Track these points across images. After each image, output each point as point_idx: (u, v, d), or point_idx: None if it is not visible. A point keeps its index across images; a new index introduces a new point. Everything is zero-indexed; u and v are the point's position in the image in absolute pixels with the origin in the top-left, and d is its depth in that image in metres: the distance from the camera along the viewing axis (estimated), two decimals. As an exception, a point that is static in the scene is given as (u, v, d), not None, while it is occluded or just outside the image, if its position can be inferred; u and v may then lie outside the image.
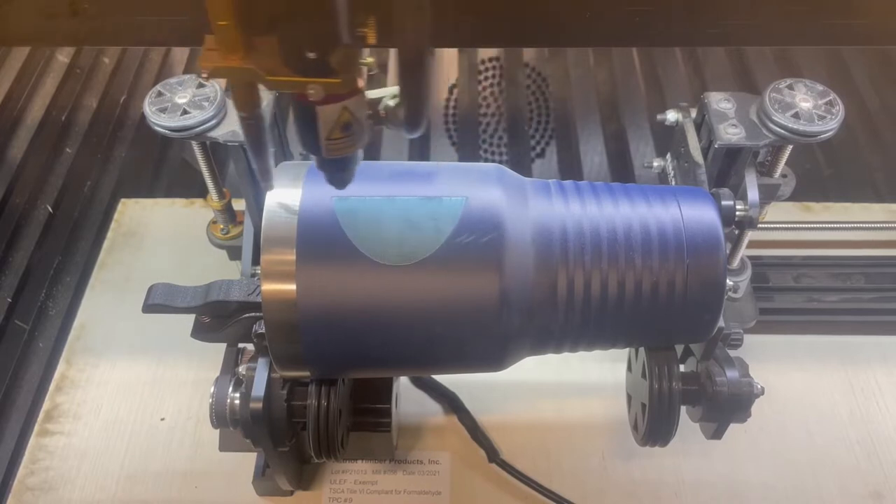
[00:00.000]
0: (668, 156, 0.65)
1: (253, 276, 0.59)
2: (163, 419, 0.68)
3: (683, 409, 0.53)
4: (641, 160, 0.94)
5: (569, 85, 1.05)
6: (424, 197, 0.46)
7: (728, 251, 0.64)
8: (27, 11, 0.70)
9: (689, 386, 0.52)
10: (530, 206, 0.47)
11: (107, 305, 0.76)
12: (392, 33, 0.32)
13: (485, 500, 0.64)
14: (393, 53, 0.33)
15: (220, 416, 0.51)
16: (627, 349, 0.60)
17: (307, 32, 0.32)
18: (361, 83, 0.35)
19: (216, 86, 0.58)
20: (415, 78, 0.34)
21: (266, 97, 0.59)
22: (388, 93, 0.38)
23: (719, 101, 0.58)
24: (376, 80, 0.38)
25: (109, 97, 1.01)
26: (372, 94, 0.38)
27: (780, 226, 0.78)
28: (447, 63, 1.08)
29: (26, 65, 1.01)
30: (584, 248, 0.47)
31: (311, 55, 0.33)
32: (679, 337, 0.52)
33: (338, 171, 0.41)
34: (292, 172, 0.48)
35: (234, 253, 0.69)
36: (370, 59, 0.35)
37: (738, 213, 0.54)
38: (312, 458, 0.53)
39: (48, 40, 0.87)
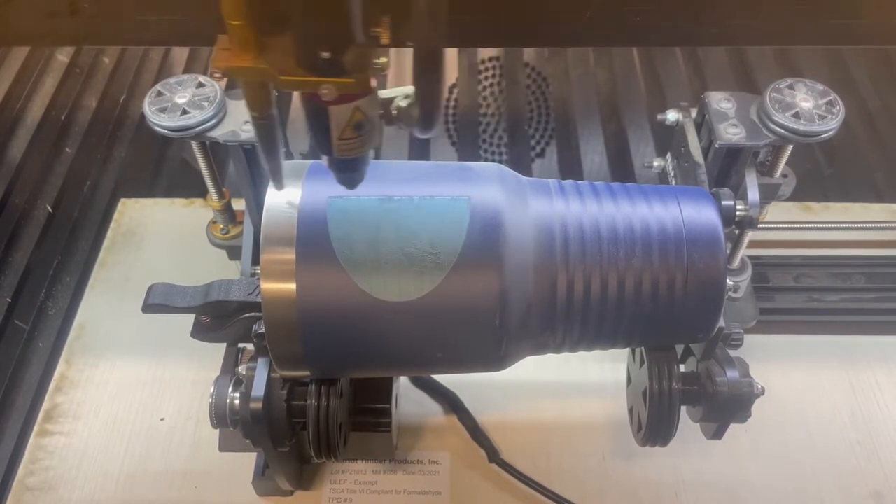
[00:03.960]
0: (669, 155, 0.65)
1: (253, 275, 0.59)
2: (163, 419, 0.68)
3: (683, 409, 0.53)
4: (641, 160, 0.94)
5: (569, 85, 1.05)
6: (424, 198, 0.46)
7: (728, 251, 0.64)
8: (27, 11, 0.70)
9: (689, 386, 0.52)
10: (530, 206, 0.47)
11: (107, 305, 0.76)
12: (407, 33, 0.31)
13: (485, 500, 0.64)
14: (396, 52, 0.33)
15: (220, 416, 0.51)
16: (627, 351, 0.60)
17: (321, 32, 0.32)
18: (374, 83, 0.35)
19: (216, 86, 0.58)
20: (430, 78, 0.33)
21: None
22: (400, 92, 0.38)
23: (720, 101, 0.58)
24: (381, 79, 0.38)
25: (109, 97, 1.01)
26: (384, 93, 0.38)
27: (781, 226, 0.78)
28: (447, 63, 1.08)
29: (26, 64, 1.01)
30: (584, 249, 0.47)
31: (325, 55, 0.32)
32: (679, 337, 0.52)
33: (348, 171, 0.41)
34: (292, 171, 0.48)
35: (234, 253, 0.69)
36: (384, 59, 0.35)
37: (738, 212, 0.54)
38: (312, 458, 0.53)
39: (48, 40, 0.87)
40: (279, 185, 0.42)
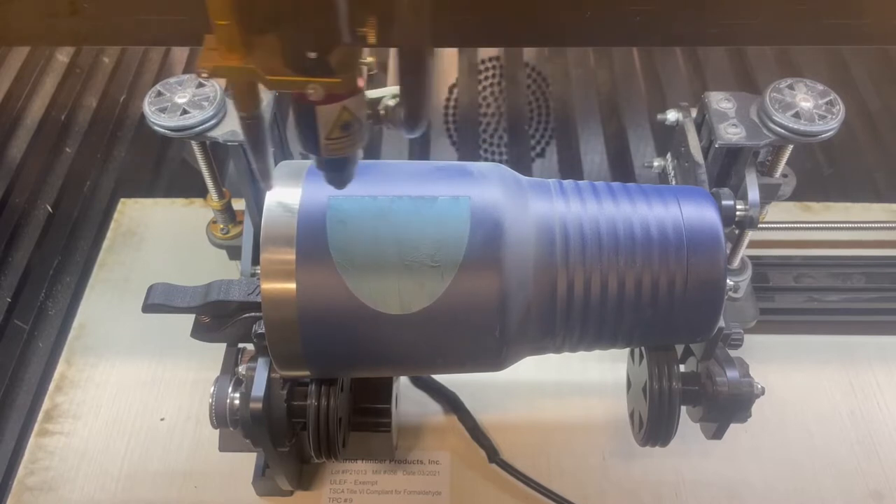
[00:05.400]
0: (669, 155, 0.65)
1: (253, 275, 0.59)
2: (163, 419, 0.68)
3: (683, 409, 0.53)
4: (641, 160, 0.94)
5: (569, 85, 1.05)
6: (425, 201, 0.46)
7: (728, 251, 0.64)
8: (27, 11, 0.70)
9: (689, 386, 0.52)
10: (530, 208, 0.47)
11: (107, 305, 0.76)
12: (392, 33, 0.31)
13: (485, 500, 0.64)
14: (394, 53, 0.33)
15: (220, 416, 0.51)
16: (627, 354, 0.60)
17: (308, 32, 0.32)
18: (361, 83, 0.35)
19: (216, 86, 0.58)
20: (415, 78, 0.33)
21: (266, 97, 0.59)
22: (387, 92, 0.38)
23: (720, 101, 0.58)
24: (376, 80, 0.38)
25: (109, 97, 1.01)
26: (371, 93, 0.38)
27: (781, 226, 0.78)
28: (447, 63, 1.08)
29: (26, 64, 1.01)
30: (584, 250, 0.47)
31: (312, 55, 0.32)
32: (679, 337, 0.52)
33: (336, 171, 0.41)
34: (292, 171, 0.48)
35: (234, 253, 0.69)
36: (370, 59, 0.35)
37: (738, 212, 0.54)
38: (312, 458, 0.53)
39: (48, 40, 0.87)
40: (268, 185, 0.42)
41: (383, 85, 0.39)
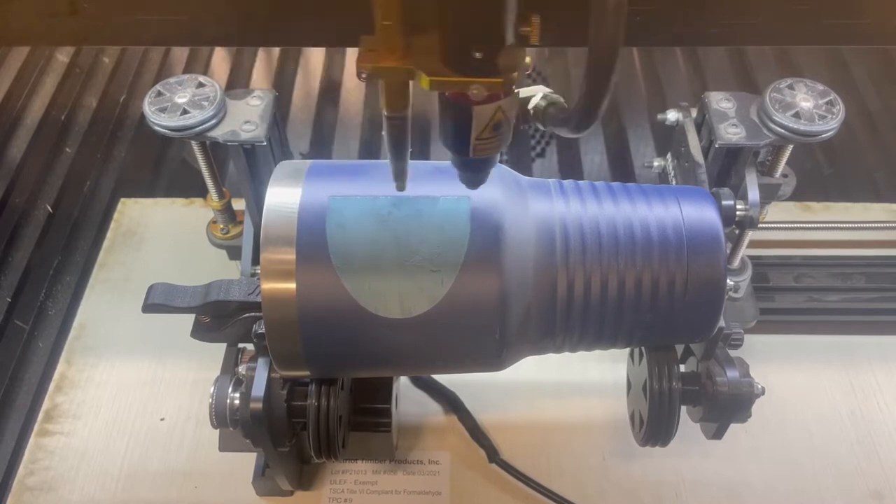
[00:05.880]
0: (669, 155, 0.65)
1: (253, 275, 0.59)
2: (162, 419, 0.68)
3: (683, 409, 0.53)
4: (642, 160, 0.94)
5: (569, 85, 1.05)
6: (425, 203, 0.46)
7: (728, 251, 0.64)
8: (27, 11, 0.71)
9: (689, 386, 0.52)
10: (530, 208, 0.47)
11: (106, 305, 0.76)
12: (584, 32, 0.30)
13: (485, 500, 0.64)
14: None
15: (220, 416, 0.51)
16: (627, 355, 0.60)
17: (474, 32, 0.32)
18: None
19: (216, 85, 0.58)
20: (603, 78, 0.32)
21: (268, 96, 0.59)
22: (538, 92, 0.38)
23: (720, 101, 0.58)
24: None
25: (109, 97, 1.01)
26: (522, 92, 0.37)
27: (781, 226, 0.78)
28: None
29: (26, 64, 1.01)
30: (584, 249, 0.47)
31: (478, 55, 0.32)
32: (679, 337, 0.52)
33: (477, 171, 0.40)
34: (292, 171, 0.48)
35: (234, 253, 0.69)
36: (528, 59, 0.34)
37: (738, 212, 0.54)
38: (312, 458, 0.53)
39: (48, 40, 0.87)
40: (402, 186, 0.41)
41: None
